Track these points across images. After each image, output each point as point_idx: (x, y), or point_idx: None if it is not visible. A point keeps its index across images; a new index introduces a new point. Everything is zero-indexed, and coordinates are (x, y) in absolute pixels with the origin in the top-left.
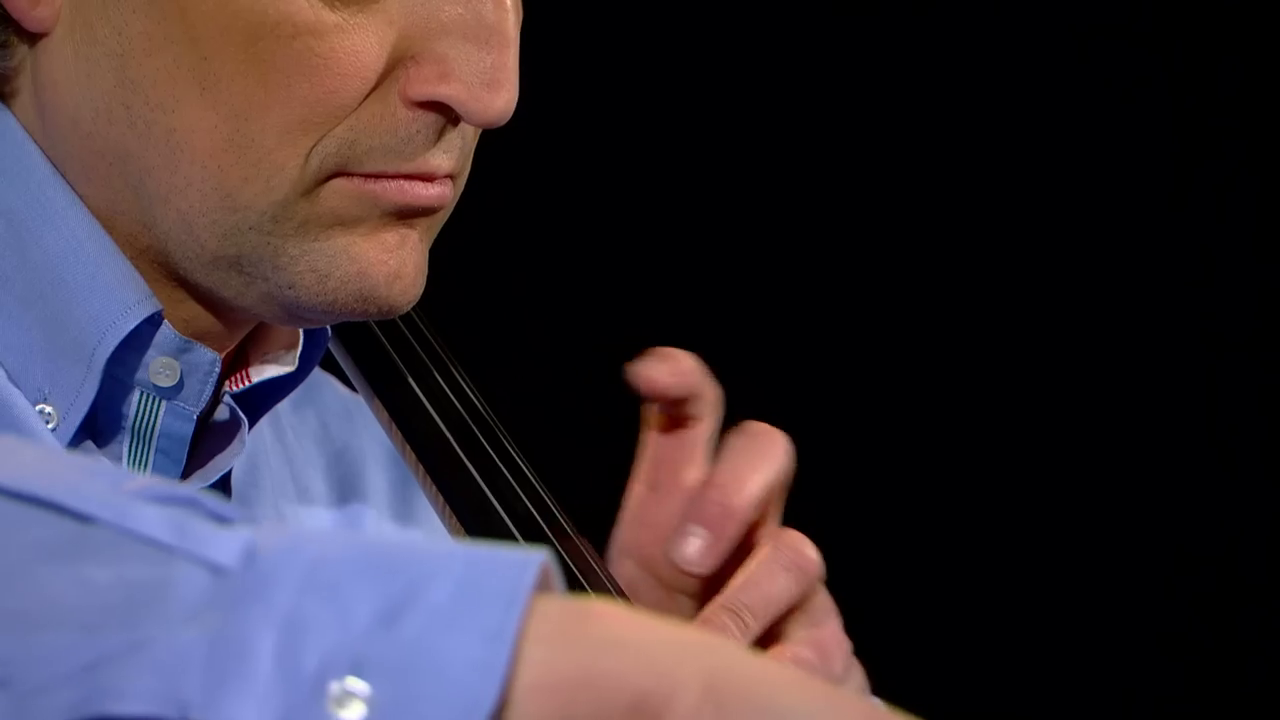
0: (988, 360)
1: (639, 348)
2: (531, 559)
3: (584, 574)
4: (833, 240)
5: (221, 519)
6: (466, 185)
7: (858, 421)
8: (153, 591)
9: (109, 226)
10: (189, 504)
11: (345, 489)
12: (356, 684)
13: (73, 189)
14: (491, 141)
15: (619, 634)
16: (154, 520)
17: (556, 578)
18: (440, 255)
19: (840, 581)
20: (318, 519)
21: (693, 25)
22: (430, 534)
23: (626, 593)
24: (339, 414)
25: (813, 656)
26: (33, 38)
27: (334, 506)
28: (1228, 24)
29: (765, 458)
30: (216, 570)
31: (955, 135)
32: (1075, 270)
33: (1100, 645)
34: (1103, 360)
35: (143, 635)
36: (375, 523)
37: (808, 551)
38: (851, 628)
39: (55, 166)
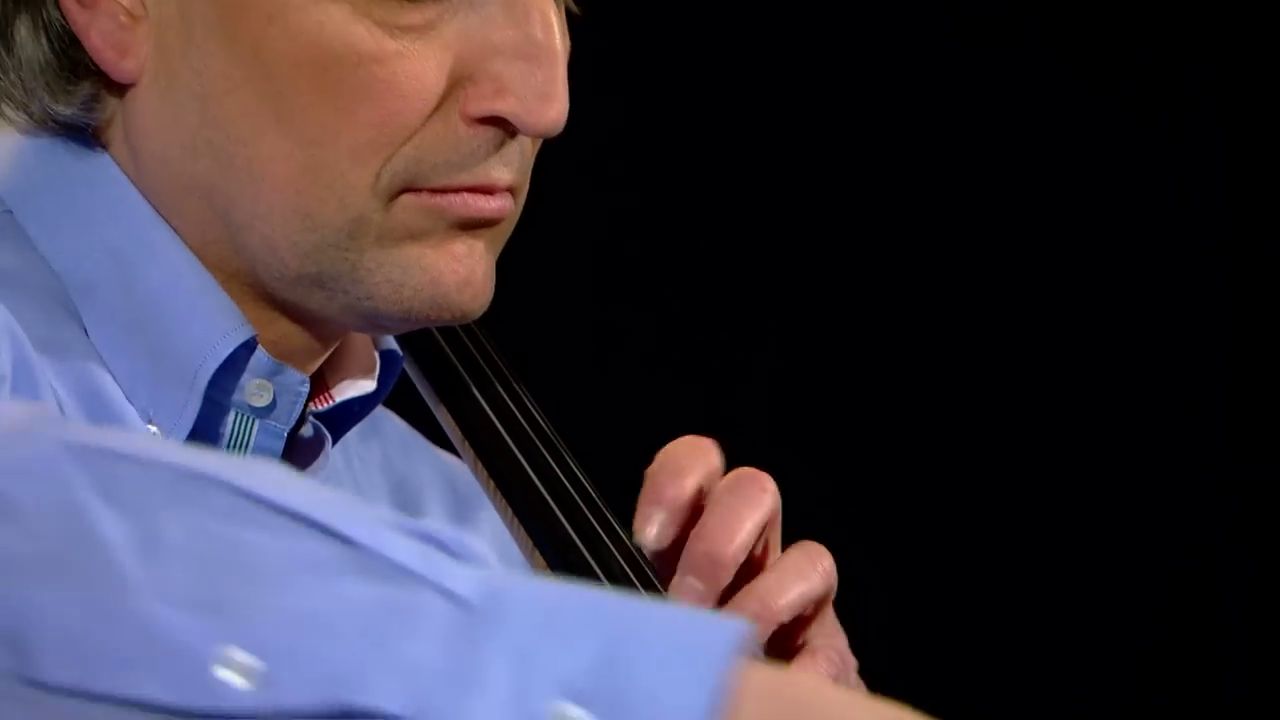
0: (978, 364)
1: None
2: (740, 625)
3: (637, 576)
4: (844, 244)
5: (458, 556)
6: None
7: (855, 425)
8: (402, 612)
9: (201, 255)
10: (433, 539)
11: (407, 514)
12: (578, 712)
13: (169, 225)
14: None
15: (817, 696)
16: (406, 550)
17: (752, 643)
18: (503, 270)
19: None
20: None
21: (694, 29)
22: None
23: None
24: (399, 446)
25: (837, 664)
26: (122, 89)
27: None
28: (1226, 23)
29: (750, 504)
30: (457, 600)
31: (949, 136)
32: (1067, 272)
33: (1095, 647)
34: (1090, 360)
35: (392, 647)
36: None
37: (827, 560)
38: (850, 629)
39: (153, 206)
